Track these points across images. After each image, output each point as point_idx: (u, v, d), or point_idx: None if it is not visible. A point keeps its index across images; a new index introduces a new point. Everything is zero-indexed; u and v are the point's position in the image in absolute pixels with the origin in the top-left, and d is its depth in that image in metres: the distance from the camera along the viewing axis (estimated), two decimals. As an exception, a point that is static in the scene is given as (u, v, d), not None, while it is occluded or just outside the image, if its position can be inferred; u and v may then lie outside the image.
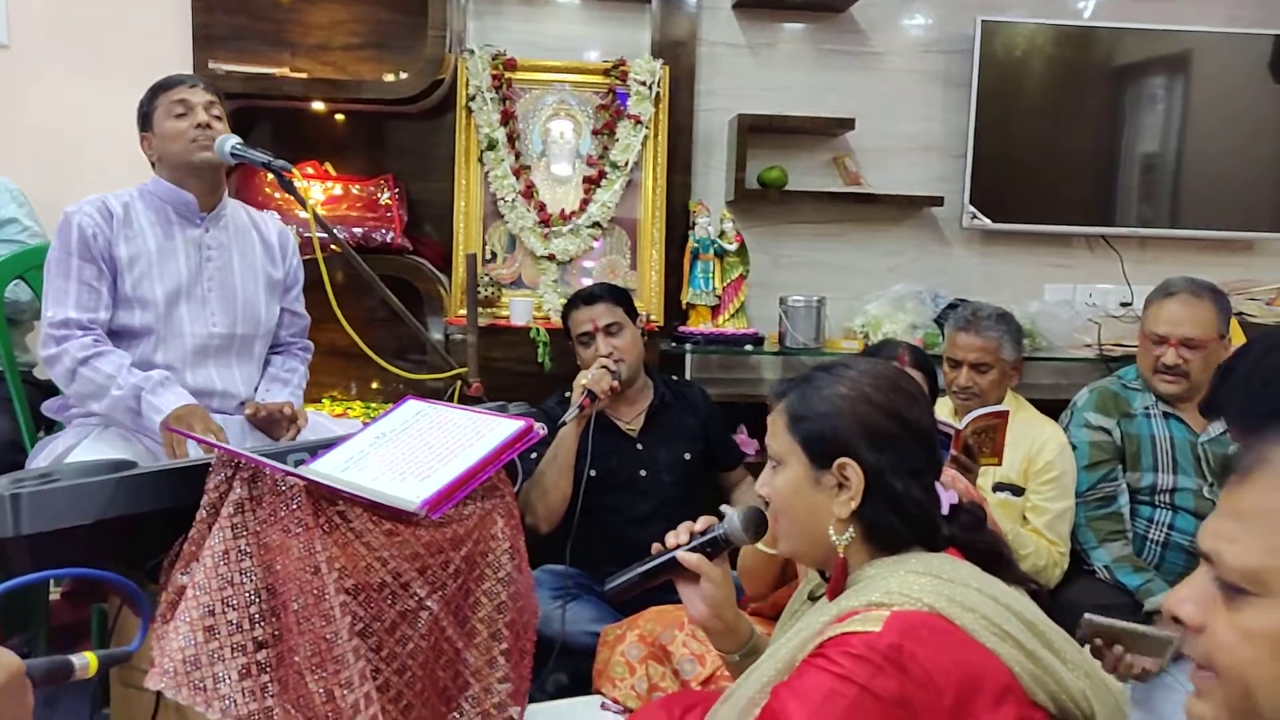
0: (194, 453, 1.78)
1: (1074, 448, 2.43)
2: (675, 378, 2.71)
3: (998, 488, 2.42)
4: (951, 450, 2.03)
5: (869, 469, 1.14)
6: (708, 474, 2.58)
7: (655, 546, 1.33)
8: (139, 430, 1.92)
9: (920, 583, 1.08)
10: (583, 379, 2.30)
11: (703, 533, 1.31)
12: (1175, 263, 3.14)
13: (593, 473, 2.33)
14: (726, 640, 1.33)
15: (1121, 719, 1.15)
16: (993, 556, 1.18)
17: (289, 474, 1.34)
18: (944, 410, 2.43)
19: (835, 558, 1.18)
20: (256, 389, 2.16)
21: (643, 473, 2.44)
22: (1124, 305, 3.16)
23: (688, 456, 2.49)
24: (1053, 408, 2.55)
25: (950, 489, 1.21)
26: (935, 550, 1.16)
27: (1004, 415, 2.10)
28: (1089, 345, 3.03)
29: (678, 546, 1.30)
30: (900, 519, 1.14)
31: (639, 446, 2.46)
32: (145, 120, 2.04)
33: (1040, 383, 3.02)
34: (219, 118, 2.01)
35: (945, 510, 1.17)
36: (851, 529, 1.16)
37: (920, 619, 1.04)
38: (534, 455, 2.33)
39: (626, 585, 1.32)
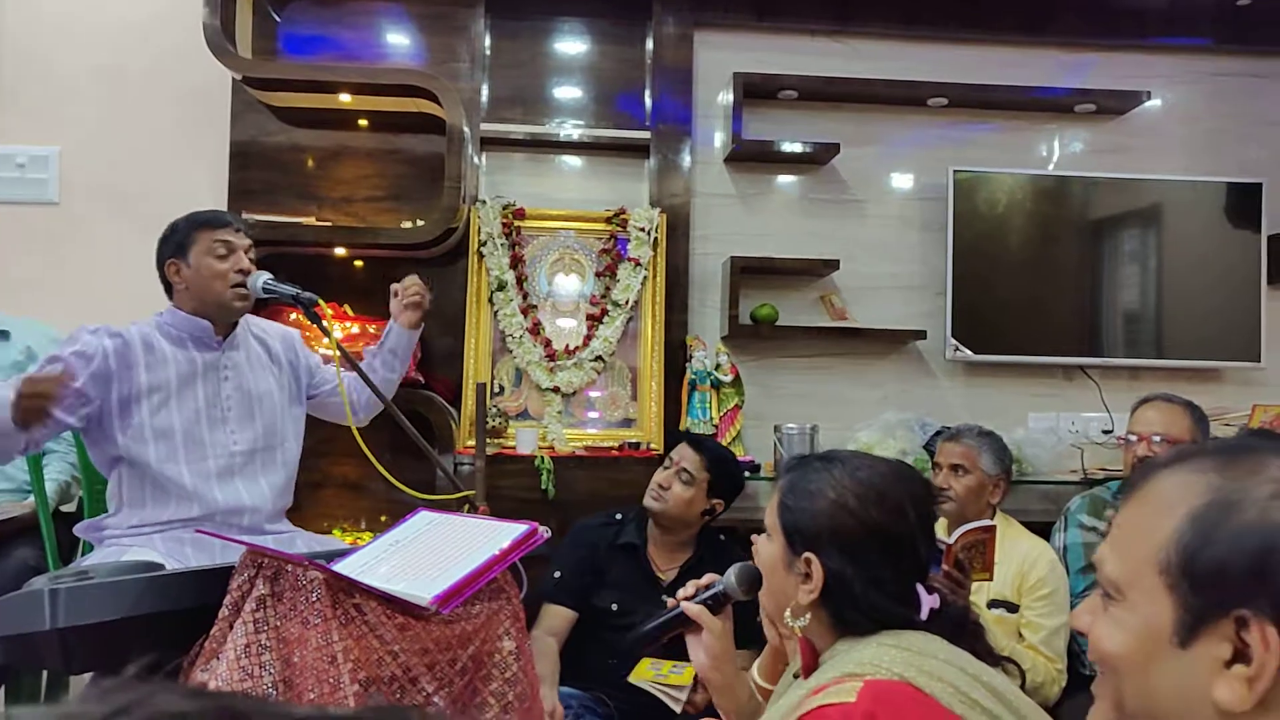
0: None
1: (1067, 550, 2.50)
2: (722, 538, 2.63)
3: (992, 604, 2.47)
4: (943, 565, 2.10)
5: (830, 571, 1.19)
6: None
7: (669, 601, 1.47)
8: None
9: (891, 654, 1.13)
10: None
11: (707, 587, 1.46)
12: (1151, 391, 3.25)
13: (614, 606, 2.34)
14: (726, 697, 1.40)
15: None
16: (972, 648, 1.21)
17: (312, 564, 1.43)
18: (939, 528, 2.50)
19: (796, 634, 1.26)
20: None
21: None
22: (1105, 432, 3.27)
23: None
24: (1041, 530, 2.60)
25: (933, 594, 1.24)
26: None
27: (992, 529, 2.16)
28: (1074, 471, 3.13)
29: (685, 599, 1.45)
30: (860, 614, 1.18)
31: (665, 600, 2.49)
32: (179, 249, 2.08)
33: (1029, 507, 3.08)
34: (253, 260, 2.12)
35: (925, 615, 1.20)
36: (809, 615, 1.21)
37: (892, 687, 1.08)
38: (556, 575, 2.38)
39: (643, 637, 1.48)
